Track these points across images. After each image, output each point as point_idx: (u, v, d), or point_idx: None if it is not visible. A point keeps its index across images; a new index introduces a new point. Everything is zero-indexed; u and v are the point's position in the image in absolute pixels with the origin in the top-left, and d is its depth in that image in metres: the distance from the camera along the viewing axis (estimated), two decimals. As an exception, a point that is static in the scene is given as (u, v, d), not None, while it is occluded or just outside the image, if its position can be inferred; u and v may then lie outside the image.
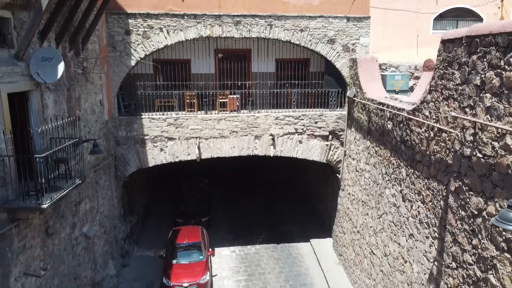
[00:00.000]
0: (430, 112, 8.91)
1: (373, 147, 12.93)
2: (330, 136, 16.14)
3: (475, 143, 6.71)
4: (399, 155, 10.76)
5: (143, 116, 14.91)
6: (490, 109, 6.29)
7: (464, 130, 7.04)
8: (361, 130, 14.09)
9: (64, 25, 10.14)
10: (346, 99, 15.66)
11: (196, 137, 15.26)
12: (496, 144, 6.15)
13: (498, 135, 6.10)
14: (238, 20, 14.78)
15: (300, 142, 16.00)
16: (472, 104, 6.82)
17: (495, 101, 6.17)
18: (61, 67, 9.07)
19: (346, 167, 15.79)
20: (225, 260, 16.53)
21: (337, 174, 16.52)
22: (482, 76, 6.49)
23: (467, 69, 6.98)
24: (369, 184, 13.10)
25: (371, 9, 17.76)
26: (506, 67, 5.88)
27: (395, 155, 11.08)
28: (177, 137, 15.17)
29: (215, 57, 16.46)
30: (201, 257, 14.74)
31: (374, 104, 12.66)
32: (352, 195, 14.87)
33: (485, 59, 6.42)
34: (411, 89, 15.13)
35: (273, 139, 15.75)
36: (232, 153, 15.68)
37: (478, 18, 27.10)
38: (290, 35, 15.20)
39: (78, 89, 11.49)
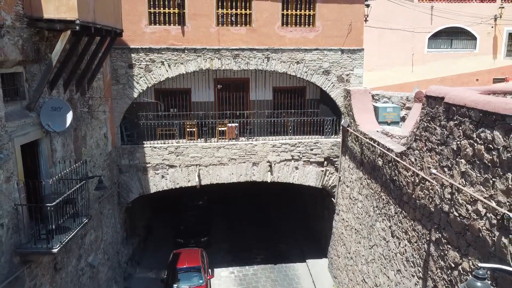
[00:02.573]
0: (415, 159, 9.51)
1: (365, 179, 13.53)
2: (325, 162, 16.74)
3: (452, 202, 7.32)
4: (389, 192, 11.36)
5: (145, 145, 15.50)
6: (465, 174, 6.89)
7: (443, 187, 7.65)
8: (355, 160, 14.70)
9: (72, 71, 10.74)
10: (341, 127, 16.26)
11: (196, 165, 15.86)
12: (469, 207, 6.75)
13: (471, 199, 6.70)
14: (236, 53, 15.39)
15: (297, 168, 16.60)
16: (450, 165, 7.43)
17: (469, 168, 6.78)
18: (69, 117, 9.68)
19: (341, 193, 16.39)
20: (224, 282, 17.11)
21: (332, 199, 17.12)
22: (458, 142, 7.10)
23: (445, 132, 7.58)
24: (362, 214, 13.70)
25: (367, 28, 18.30)
26: (478, 140, 6.49)
27: (385, 191, 11.68)
28: (178, 164, 15.77)
29: (215, 86, 17.07)
30: (200, 281, 15.32)
31: (366, 138, 13.27)
32: (346, 221, 15.47)
33: (460, 128, 7.02)
34: (403, 119, 15.73)
35: (270, 166, 16.36)
36: (231, 180, 16.28)
37: (472, 37, 27.81)
38: (287, 67, 15.82)
39: (84, 128, 12.09)
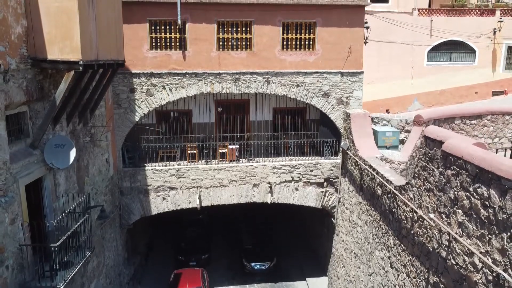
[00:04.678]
0: (414, 196, 9.65)
1: (364, 205, 13.67)
2: (325, 183, 16.88)
3: (449, 249, 7.45)
4: (388, 223, 11.50)
5: (146, 168, 15.64)
6: (462, 225, 7.03)
7: (441, 233, 7.78)
8: (354, 183, 14.83)
9: (75, 104, 10.86)
10: (341, 149, 16.39)
11: (197, 187, 16.00)
12: (466, 258, 6.88)
13: (468, 251, 6.84)
14: (237, 77, 15.53)
15: (296, 189, 16.74)
16: (447, 213, 7.56)
17: (466, 219, 6.91)
18: (73, 153, 9.81)
19: (340, 214, 16.53)
20: (225, 301, 17.26)
21: (332, 219, 17.26)
22: (455, 192, 7.23)
23: (443, 179, 7.72)
24: (361, 240, 13.84)
25: (366, 31, 18.31)
26: (475, 194, 6.62)
27: (384, 221, 11.82)
28: (179, 186, 15.91)
29: (216, 107, 17.20)
30: (201, 302, 15.48)
31: (366, 165, 13.40)
32: (346, 243, 15.61)
33: (457, 178, 7.16)
34: (402, 141, 15.87)
35: (270, 187, 16.50)
36: (231, 201, 16.42)
37: (471, 50, 27.95)
38: (287, 90, 15.96)
39: (86, 157, 12.22)
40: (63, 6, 8.80)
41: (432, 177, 8.53)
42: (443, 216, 7.72)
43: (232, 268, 19.65)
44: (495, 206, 6.09)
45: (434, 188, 8.38)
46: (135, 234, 18.03)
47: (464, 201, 6.95)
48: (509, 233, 5.80)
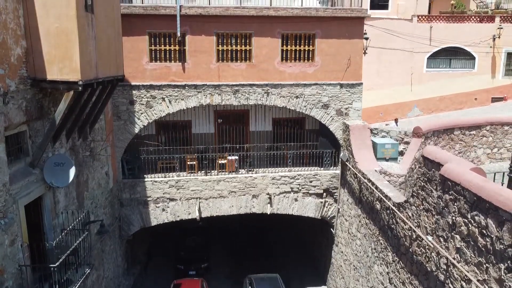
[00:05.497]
0: (412, 214, 9.67)
1: (363, 218, 13.69)
2: (324, 194, 16.91)
3: (447, 273, 7.48)
4: (386, 238, 11.52)
5: (146, 179, 15.66)
6: (460, 251, 7.05)
7: (439, 256, 7.80)
8: (353, 195, 14.86)
9: (74, 121, 10.88)
10: (340, 159, 16.41)
11: (197, 198, 16.02)
12: (464, 284, 6.91)
13: (466, 277, 6.86)
14: (236, 89, 15.56)
15: (296, 200, 16.77)
16: (445, 237, 7.59)
17: (464, 245, 6.93)
18: (72, 172, 9.83)
19: (340, 225, 16.55)
20: (224, 311, 17.28)
21: (331, 229, 17.28)
22: (453, 218, 7.25)
23: (441, 203, 7.74)
24: (360, 252, 13.87)
25: (365, 41, 18.36)
26: (472, 221, 6.65)
27: (383, 236, 11.84)
28: (178, 197, 15.93)
29: (215, 118, 17.23)
30: (201, 314, 15.51)
31: (365, 179, 13.42)
32: (345, 255, 15.63)
33: (455, 204, 7.18)
34: (401, 153, 15.89)
35: (270, 198, 16.52)
36: (231, 212, 16.45)
37: (471, 57, 27.96)
38: (286, 101, 15.98)
39: (86, 172, 12.25)
40: (62, 27, 8.82)
41: (430, 198, 8.55)
42: (441, 239, 7.75)
43: (232, 276, 19.67)
44: (492, 236, 6.11)
45: (433, 209, 8.40)
46: (134, 243, 18.04)
47: (462, 227, 6.98)
48: (506, 264, 5.82)
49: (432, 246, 8.22)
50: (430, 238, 8.11)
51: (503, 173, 10.23)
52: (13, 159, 9.00)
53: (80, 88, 9.16)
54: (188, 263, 19.45)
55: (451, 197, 7.35)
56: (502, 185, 9.97)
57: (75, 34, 8.87)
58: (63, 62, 9.00)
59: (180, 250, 20.50)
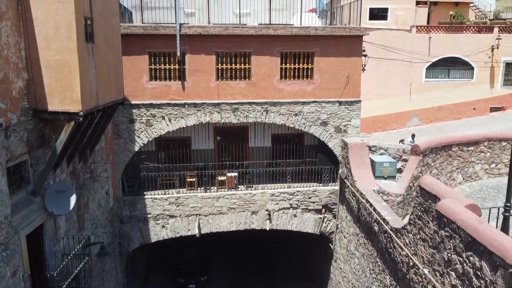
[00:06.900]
0: (410, 242, 9.77)
1: (362, 237, 13.79)
2: (323, 210, 17.02)
3: (443, 308, 7.58)
4: (384, 261, 11.62)
5: (146, 196, 15.76)
6: (455, 288, 7.15)
7: (435, 291, 7.90)
8: (352, 213, 14.96)
9: (75, 147, 10.98)
10: (339, 176, 16.52)
11: (196, 214, 16.13)
12: (459, 322, 7.01)
13: (461, 315, 6.96)
14: (236, 107, 15.66)
15: (295, 216, 16.88)
16: (441, 272, 7.69)
17: (459, 283, 7.04)
18: (73, 199, 9.92)
19: (338, 241, 16.65)
20: (224, 326, 17.39)
21: (330, 244, 17.39)
22: (449, 254, 7.36)
23: (437, 238, 7.84)
24: (358, 271, 13.97)
25: (364, 58, 18.46)
26: (467, 261, 6.75)
27: (381, 258, 11.94)
28: (178, 214, 16.04)
29: (215, 135, 17.33)
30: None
31: (363, 199, 13.52)
32: (343, 272, 15.74)
33: (451, 241, 7.28)
34: (399, 170, 15.98)
35: (269, 214, 16.63)
36: (230, 228, 16.55)
37: (470, 67, 28.08)
38: (285, 119, 16.09)
39: (86, 194, 12.34)
40: (63, 60, 8.91)
41: (427, 229, 8.65)
42: (437, 274, 7.85)
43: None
44: (486, 279, 6.22)
45: (429, 240, 8.50)
46: (134, 258, 18.15)
47: (457, 265, 7.08)
48: (500, 309, 5.92)
49: (428, 279, 8.32)
50: (426, 271, 8.21)
51: (498, 209, 10.31)
52: (15, 189, 9.08)
53: (81, 118, 9.26)
54: (188, 276, 19.58)
55: (446, 233, 7.45)
56: (497, 219, 10.02)
57: (76, 67, 8.95)
58: (64, 94, 9.08)
59: (180, 263, 20.61)
